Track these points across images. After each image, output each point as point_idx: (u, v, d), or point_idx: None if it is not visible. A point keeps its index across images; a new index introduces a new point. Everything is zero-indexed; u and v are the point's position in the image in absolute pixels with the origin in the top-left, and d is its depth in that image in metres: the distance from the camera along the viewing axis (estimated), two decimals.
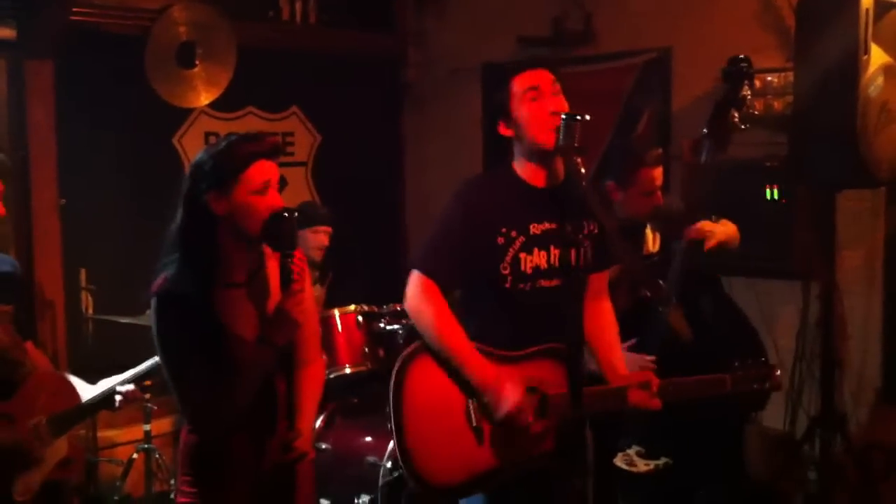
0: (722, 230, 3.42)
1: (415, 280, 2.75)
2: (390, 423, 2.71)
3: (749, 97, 3.20)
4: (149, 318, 2.46)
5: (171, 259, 2.44)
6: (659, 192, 3.48)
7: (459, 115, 5.61)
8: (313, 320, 2.69)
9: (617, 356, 2.92)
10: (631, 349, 3.27)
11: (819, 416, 4.03)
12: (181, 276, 2.40)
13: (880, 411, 4.24)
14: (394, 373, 2.72)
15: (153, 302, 2.42)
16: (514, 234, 2.74)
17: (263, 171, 2.41)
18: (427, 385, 2.72)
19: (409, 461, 2.68)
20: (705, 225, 3.32)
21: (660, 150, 3.53)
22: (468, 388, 2.71)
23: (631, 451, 3.20)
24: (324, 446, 4.03)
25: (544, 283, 2.78)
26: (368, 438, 4.03)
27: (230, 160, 2.40)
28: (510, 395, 2.65)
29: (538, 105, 2.69)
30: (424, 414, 2.70)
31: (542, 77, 2.73)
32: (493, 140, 2.88)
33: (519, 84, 2.73)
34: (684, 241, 3.29)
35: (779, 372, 2.94)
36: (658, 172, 3.46)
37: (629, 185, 3.42)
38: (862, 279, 4.25)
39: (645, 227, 3.55)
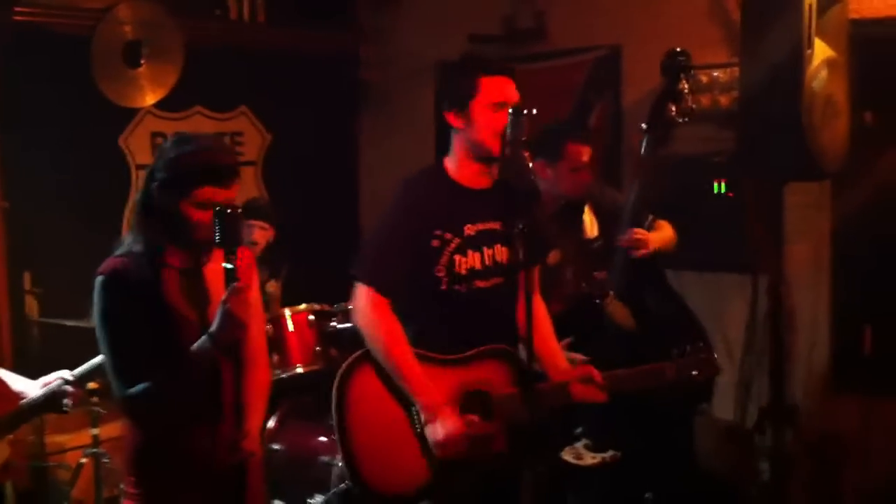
0: (657, 237, 3.46)
1: (362, 294, 2.74)
2: (334, 434, 2.68)
3: (687, 91, 3.22)
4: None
5: (121, 242, 2.47)
6: (587, 171, 3.51)
7: (414, 113, 5.57)
8: (258, 318, 2.67)
9: (554, 349, 2.92)
10: (570, 347, 3.27)
11: (769, 407, 4.07)
12: (129, 258, 2.42)
13: (829, 402, 4.29)
14: (336, 384, 2.70)
15: (98, 280, 2.41)
16: (448, 236, 2.75)
17: (210, 193, 2.40)
18: (370, 395, 2.70)
19: (356, 473, 2.67)
20: (639, 234, 3.35)
21: (588, 128, 3.57)
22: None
23: (579, 445, 3.20)
24: (276, 447, 3.99)
25: (480, 283, 2.79)
26: (322, 438, 3.99)
27: (179, 179, 2.41)
28: (446, 425, 2.64)
29: (498, 117, 2.69)
30: (369, 424, 2.69)
31: (510, 92, 2.73)
32: (445, 133, 2.88)
33: (488, 91, 2.71)
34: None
35: (716, 355, 2.99)
36: (585, 149, 3.49)
37: (557, 160, 3.45)
38: (809, 272, 4.30)
39: (583, 211, 3.57)
